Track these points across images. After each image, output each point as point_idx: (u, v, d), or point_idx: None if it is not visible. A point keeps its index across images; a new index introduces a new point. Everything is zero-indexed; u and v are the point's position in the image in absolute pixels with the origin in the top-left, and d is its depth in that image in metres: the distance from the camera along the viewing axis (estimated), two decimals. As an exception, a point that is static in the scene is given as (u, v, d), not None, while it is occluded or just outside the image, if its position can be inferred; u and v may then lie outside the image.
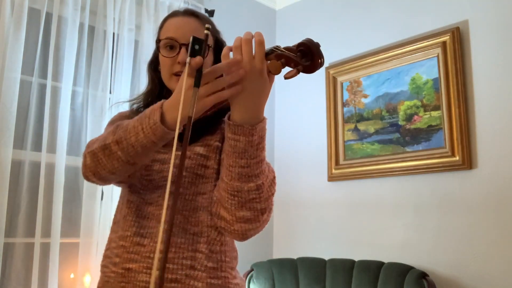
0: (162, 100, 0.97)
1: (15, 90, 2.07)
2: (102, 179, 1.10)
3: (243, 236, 1.06)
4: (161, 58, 1.22)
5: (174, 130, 0.94)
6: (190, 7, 2.62)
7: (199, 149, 1.16)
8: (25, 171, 2.11)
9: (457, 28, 2.44)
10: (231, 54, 0.94)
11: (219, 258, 1.12)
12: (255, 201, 1.01)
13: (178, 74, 1.19)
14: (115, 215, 1.22)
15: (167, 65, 1.21)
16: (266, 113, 1.02)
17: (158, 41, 1.22)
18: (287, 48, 0.93)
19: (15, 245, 2.07)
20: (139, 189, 1.14)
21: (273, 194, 1.06)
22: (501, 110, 2.27)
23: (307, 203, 2.96)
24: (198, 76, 0.83)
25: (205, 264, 1.09)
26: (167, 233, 0.81)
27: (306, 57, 0.90)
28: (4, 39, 2.07)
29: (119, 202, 1.23)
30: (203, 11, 2.74)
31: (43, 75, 2.24)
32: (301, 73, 0.91)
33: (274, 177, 1.07)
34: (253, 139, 0.96)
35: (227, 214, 1.03)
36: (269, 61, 0.92)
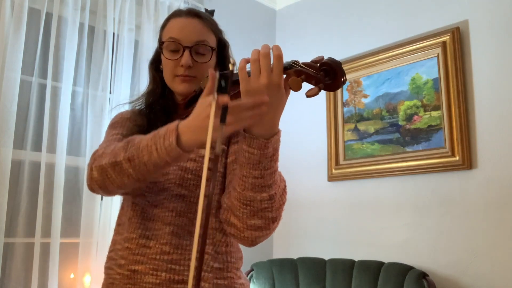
0: (177, 121, 0.96)
1: (15, 90, 2.07)
2: (109, 192, 1.09)
3: (252, 243, 1.07)
4: (163, 59, 1.22)
5: (189, 152, 0.95)
6: (190, 7, 2.62)
7: (203, 151, 1.16)
8: (25, 171, 2.11)
9: (457, 28, 2.44)
10: (248, 66, 0.93)
11: (224, 259, 1.14)
12: (267, 210, 1.01)
13: (181, 76, 1.19)
14: (119, 217, 1.21)
15: (170, 67, 1.20)
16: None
17: (161, 42, 1.21)
18: (306, 65, 0.92)
19: (15, 245, 2.07)
20: (144, 191, 1.14)
21: (284, 203, 1.06)
22: (501, 110, 2.27)
23: (307, 203, 2.96)
24: (224, 113, 0.83)
25: (212, 265, 1.11)
26: (202, 239, 0.82)
27: (329, 75, 0.90)
28: (4, 39, 2.07)
29: (122, 204, 1.22)
30: (201, 11, 2.73)
31: (43, 75, 2.24)
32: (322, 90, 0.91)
33: (285, 186, 1.07)
34: (267, 152, 0.96)
35: (238, 221, 1.04)
36: (286, 76, 0.92)
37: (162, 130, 0.97)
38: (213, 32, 1.26)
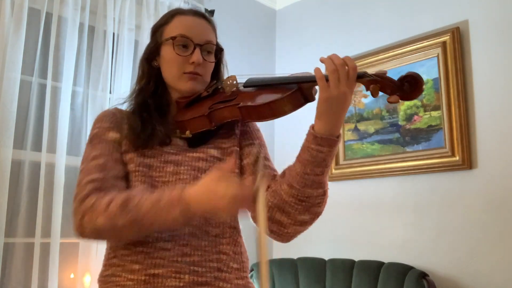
0: (180, 189, 0.99)
1: (15, 90, 2.07)
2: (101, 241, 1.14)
3: (290, 239, 1.13)
4: (171, 55, 1.19)
5: (199, 216, 1.01)
6: (190, 7, 2.62)
7: (212, 151, 1.18)
8: (25, 171, 2.11)
9: (457, 28, 2.44)
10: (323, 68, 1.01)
11: (240, 259, 1.16)
12: (319, 205, 1.09)
13: (189, 74, 1.18)
14: None
15: (178, 63, 1.19)
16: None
17: (172, 37, 1.19)
18: (380, 76, 1.02)
19: (15, 245, 2.07)
20: (152, 192, 1.12)
21: (327, 197, 1.12)
22: (501, 110, 2.26)
23: (307, 203, 2.96)
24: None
25: (231, 265, 1.12)
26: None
27: (412, 86, 1.02)
28: (4, 39, 2.07)
29: None
30: (203, 11, 2.73)
31: (43, 75, 2.24)
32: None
33: None
34: (334, 149, 1.04)
35: (286, 218, 1.08)
36: (368, 85, 1.03)
37: (164, 198, 0.98)
38: (215, 34, 1.27)
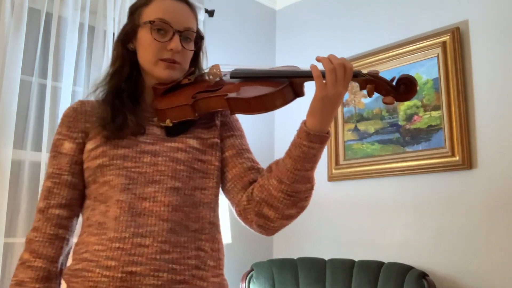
0: None
1: (15, 90, 2.07)
2: None
3: (275, 232, 1.14)
4: (148, 39, 1.15)
5: None
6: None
7: (192, 141, 1.14)
8: (25, 171, 2.11)
9: (457, 28, 2.44)
10: (320, 65, 1.02)
11: (217, 256, 1.13)
12: (306, 199, 1.09)
13: (166, 61, 1.14)
14: (89, 218, 1.11)
15: (155, 49, 1.14)
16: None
17: (151, 22, 1.14)
18: (376, 76, 1.03)
19: (15, 245, 2.07)
20: (127, 184, 1.07)
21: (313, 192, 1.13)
22: (501, 110, 2.26)
23: (307, 203, 2.96)
24: None
25: (209, 263, 1.10)
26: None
27: (407, 88, 1.03)
28: (4, 39, 2.07)
29: (94, 205, 1.12)
30: (203, 11, 2.74)
31: (43, 75, 2.24)
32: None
33: None
34: (324, 145, 1.04)
35: (274, 212, 1.08)
36: (363, 85, 1.04)
37: None
38: (196, 21, 1.22)
